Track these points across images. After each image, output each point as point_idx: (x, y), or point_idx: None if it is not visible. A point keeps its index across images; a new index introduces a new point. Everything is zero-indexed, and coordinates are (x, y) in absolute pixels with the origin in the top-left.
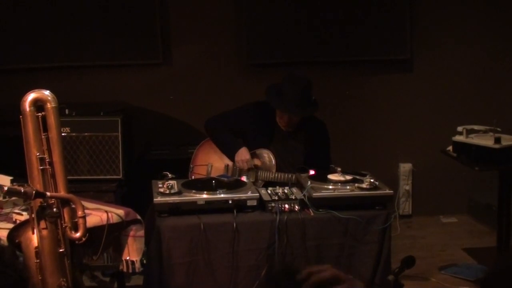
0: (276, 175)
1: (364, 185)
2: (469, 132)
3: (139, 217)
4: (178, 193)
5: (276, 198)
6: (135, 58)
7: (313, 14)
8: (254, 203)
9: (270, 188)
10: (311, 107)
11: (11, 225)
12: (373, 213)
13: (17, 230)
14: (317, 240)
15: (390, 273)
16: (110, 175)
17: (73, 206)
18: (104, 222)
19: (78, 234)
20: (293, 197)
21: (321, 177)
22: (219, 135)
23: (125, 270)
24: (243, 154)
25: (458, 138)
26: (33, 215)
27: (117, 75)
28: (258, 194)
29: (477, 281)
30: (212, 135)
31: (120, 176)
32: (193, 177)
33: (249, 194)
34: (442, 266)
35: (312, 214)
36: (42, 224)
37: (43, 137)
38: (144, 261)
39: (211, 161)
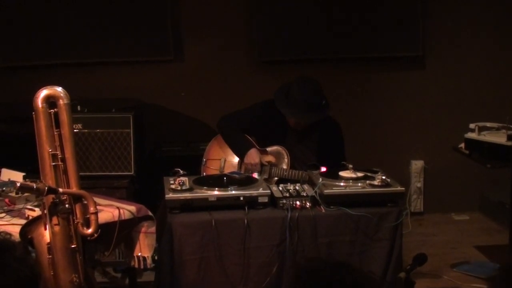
0: (290, 172)
1: (375, 182)
2: (482, 129)
3: (150, 213)
4: (190, 189)
5: (288, 195)
6: (146, 54)
7: (324, 11)
8: (266, 200)
9: (281, 185)
10: (318, 112)
11: (23, 221)
12: (385, 210)
13: (30, 226)
14: (328, 237)
15: (402, 271)
16: (121, 171)
17: (85, 202)
18: (116, 219)
19: (90, 230)
20: (305, 194)
21: (332, 174)
22: (230, 135)
23: (136, 266)
24: (252, 157)
25: (470, 135)
26: (45, 211)
27: (129, 71)
28: (269, 191)
29: (489, 279)
30: (223, 134)
31: (132, 173)
32: (205, 171)
33: (261, 190)
34: (453, 263)
35: (323, 211)
36: (54, 220)
37: (55, 133)
38: (156, 257)
39: (225, 155)
